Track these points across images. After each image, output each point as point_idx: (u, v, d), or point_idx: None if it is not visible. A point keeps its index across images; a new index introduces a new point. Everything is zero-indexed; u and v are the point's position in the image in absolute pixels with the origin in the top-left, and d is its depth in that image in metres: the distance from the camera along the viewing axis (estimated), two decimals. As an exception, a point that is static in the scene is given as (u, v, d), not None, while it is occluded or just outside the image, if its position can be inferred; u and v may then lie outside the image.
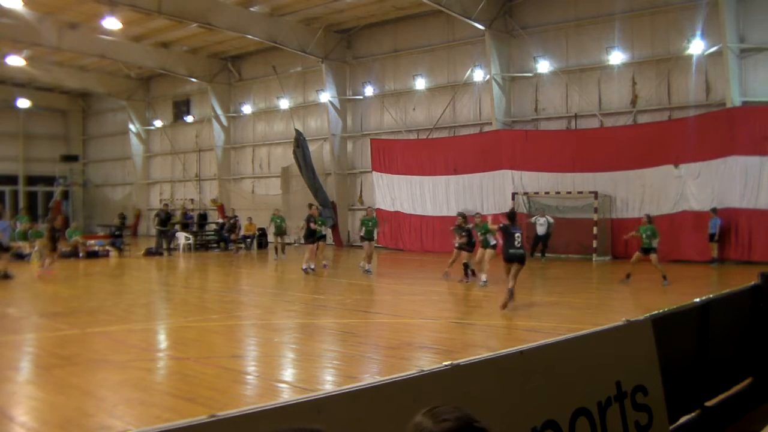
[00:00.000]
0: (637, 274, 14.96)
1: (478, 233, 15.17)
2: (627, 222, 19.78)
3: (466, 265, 15.78)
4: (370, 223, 17.61)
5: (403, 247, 25.30)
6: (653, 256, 14.47)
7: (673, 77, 20.55)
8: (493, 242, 14.48)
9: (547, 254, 20.93)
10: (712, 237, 18.47)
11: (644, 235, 14.68)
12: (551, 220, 20.80)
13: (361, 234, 17.86)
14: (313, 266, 17.74)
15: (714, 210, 18.52)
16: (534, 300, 12.54)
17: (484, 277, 14.69)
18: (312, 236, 17.66)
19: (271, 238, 24.06)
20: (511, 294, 11.31)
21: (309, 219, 17.80)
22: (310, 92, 30.19)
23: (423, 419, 1.58)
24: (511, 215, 12.34)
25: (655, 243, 14.56)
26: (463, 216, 16.50)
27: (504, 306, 11.30)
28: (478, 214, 16.74)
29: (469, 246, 15.83)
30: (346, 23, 27.48)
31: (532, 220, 20.60)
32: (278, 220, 23.22)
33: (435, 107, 25.97)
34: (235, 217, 28.62)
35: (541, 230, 20.64)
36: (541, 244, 20.87)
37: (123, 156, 39.73)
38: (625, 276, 14.81)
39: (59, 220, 23.52)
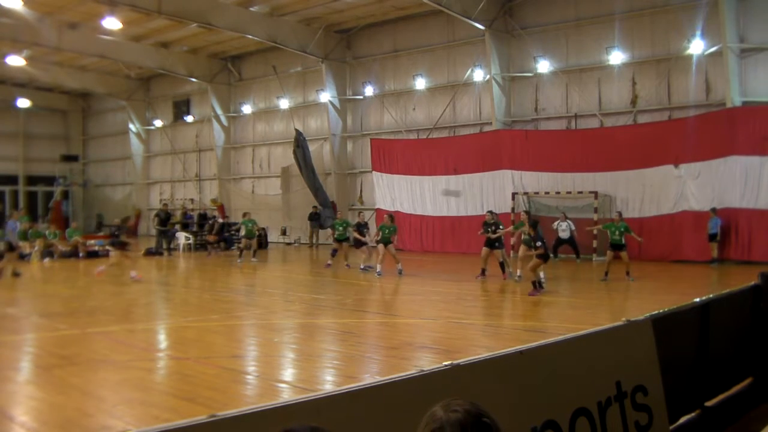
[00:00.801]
0: (639, 274, 14.99)
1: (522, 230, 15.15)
2: (627, 222, 19.71)
3: (502, 264, 15.86)
4: (387, 230, 17.50)
5: (402, 247, 25.23)
6: (623, 253, 15.19)
7: (673, 77, 20.54)
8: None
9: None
10: (713, 237, 18.43)
11: (617, 233, 15.06)
12: (573, 226, 20.23)
13: (378, 239, 17.66)
14: (371, 266, 18.36)
15: (714, 210, 18.52)
16: (534, 300, 12.54)
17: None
18: (359, 243, 18.90)
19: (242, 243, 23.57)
20: (534, 285, 13.22)
21: (359, 228, 18.90)
22: (310, 92, 30.18)
23: (437, 408, 1.70)
24: (534, 224, 13.68)
25: (624, 239, 15.23)
26: (491, 213, 16.74)
27: (531, 294, 13.00)
28: (525, 211, 16.89)
29: (497, 243, 15.85)
30: (346, 23, 27.48)
31: (554, 225, 20.29)
32: (249, 224, 22.67)
33: (435, 107, 25.97)
34: (213, 217, 28.78)
35: (564, 235, 20.21)
36: (570, 247, 20.45)
37: (123, 156, 39.70)
38: (603, 274, 15.23)
39: (132, 221, 24.27)
